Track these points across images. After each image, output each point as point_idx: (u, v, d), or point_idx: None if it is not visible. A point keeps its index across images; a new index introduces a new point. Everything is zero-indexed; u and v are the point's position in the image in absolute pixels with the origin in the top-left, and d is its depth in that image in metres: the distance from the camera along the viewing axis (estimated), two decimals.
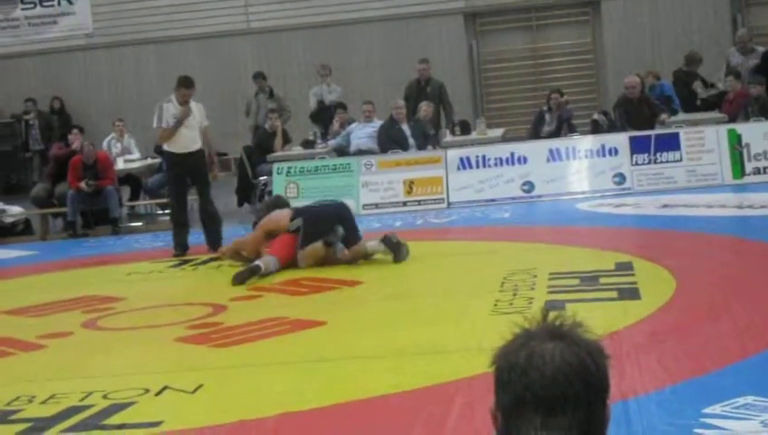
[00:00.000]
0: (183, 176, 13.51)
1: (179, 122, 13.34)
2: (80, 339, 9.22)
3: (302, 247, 11.60)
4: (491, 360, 2.31)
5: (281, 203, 12.68)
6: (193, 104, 13.64)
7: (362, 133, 17.32)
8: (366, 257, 11.81)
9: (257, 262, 11.29)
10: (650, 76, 18.73)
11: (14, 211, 17.70)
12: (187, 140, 13.45)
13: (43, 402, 7.03)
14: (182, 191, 13.65)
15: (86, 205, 16.60)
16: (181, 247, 13.43)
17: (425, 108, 17.73)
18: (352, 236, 11.74)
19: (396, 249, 11.61)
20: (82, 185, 16.16)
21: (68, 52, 24.61)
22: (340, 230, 11.54)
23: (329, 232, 11.54)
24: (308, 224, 11.67)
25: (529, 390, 2.22)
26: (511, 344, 2.29)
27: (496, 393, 2.29)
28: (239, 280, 11.01)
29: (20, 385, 7.57)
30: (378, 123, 17.41)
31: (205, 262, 12.79)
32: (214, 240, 13.35)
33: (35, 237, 17.05)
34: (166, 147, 13.80)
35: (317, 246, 11.58)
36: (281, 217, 11.90)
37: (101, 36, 24.55)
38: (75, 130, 17.92)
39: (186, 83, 13.78)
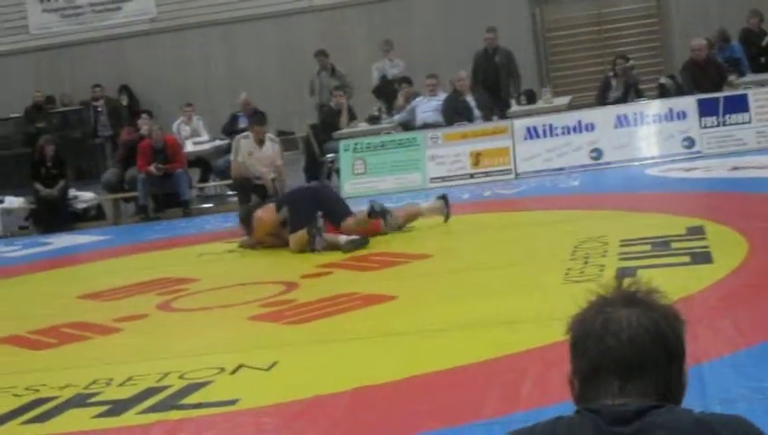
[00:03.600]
0: (249, 192, 13.79)
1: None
2: (155, 321, 9.32)
3: (291, 232, 11.72)
4: (566, 328, 2.32)
5: (259, 203, 12.94)
6: (269, 143, 13.79)
7: (427, 107, 17.28)
8: (414, 218, 12.20)
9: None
10: (720, 38, 18.50)
11: (86, 197, 17.93)
12: (259, 173, 13.65)
13: (121, 385, 7.09)
14: (248, 196, 13.88)
15: (156, 188, 16.75)
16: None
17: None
18: (340, 212, 11.80)
19: (447, 208, 12.10)
20: (152, 169, 16.29)
21: (133, 37, 24.80)
22: (320, 222, 11.51)
23: (312, 216, 11.54)
24: (292, 210, 11.75)
25: (606, 356, 2.23)
26: (586, 312, 2.30)
27: (572, 361, 2.29)
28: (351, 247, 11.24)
29: (97, 368, 7.65)
30: (442, 96, 17.36)
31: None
32: None
33: (108, 222, 17.26)
34: None
35: (302, 234, 11.63)
36: (267, 213, 12.05)
37: (166, 20, 24.71)
38: (144, 115, 18.07)
39: (259, 121, 13.97)
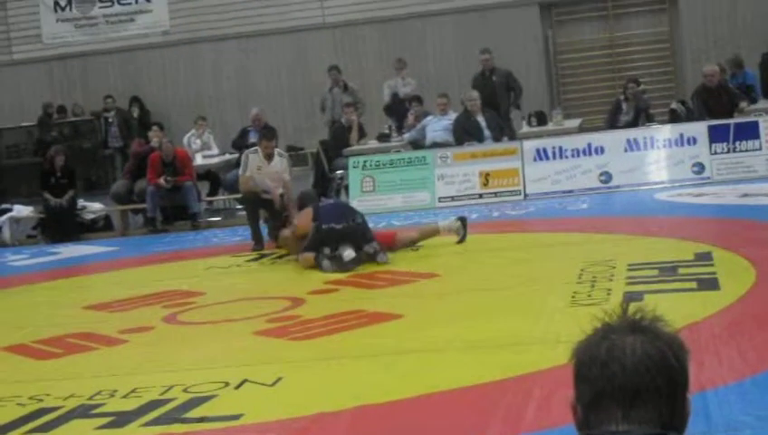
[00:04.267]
0: (257, 207, 13.74)
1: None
2: (161, 333, 9.32)
3: (303, 250, 11.74)
4: (571, 353, 2.32)
5: (311, 196, 13.03)
6: (277, 158, 13.77)
7: (438, 126, 17.29)
8: (430, 236, 12.42)
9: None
10: (733, 64, 18.51)
11: (95, 208, 17.94)
12: (267, 188, 13.59)
13: (125, 396, 7.11)
14: (256, 210, 13.85)
15: (165, 201, 16.75)
16: (259, 242, 13.54)
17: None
18: (363, 241, 11.68)
19: (464, 231, 12.27)
20: (161, 181, 16.31)
21: (146, 49, 24.87)
22: (326, 251, 11.48)
23: (323, 246, 11.55)
24: (315, 231, 11.71)
25: (610, 383, 2.23)
26: (591, 338, 2.30)
27: (576, 386, 2.29)
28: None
29: (102, 379, 7.67)
30: (453, 116, 17.37)
31: (282, 256, 12.84)
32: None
33: (116, 233, 17.26)
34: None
35: (310, 256, 11.65)
36: (305, 219, 12.01)
37: (179, 33, 24.78)
38: (155, 127, 18.10)
39: (267, 136, 13.94)
